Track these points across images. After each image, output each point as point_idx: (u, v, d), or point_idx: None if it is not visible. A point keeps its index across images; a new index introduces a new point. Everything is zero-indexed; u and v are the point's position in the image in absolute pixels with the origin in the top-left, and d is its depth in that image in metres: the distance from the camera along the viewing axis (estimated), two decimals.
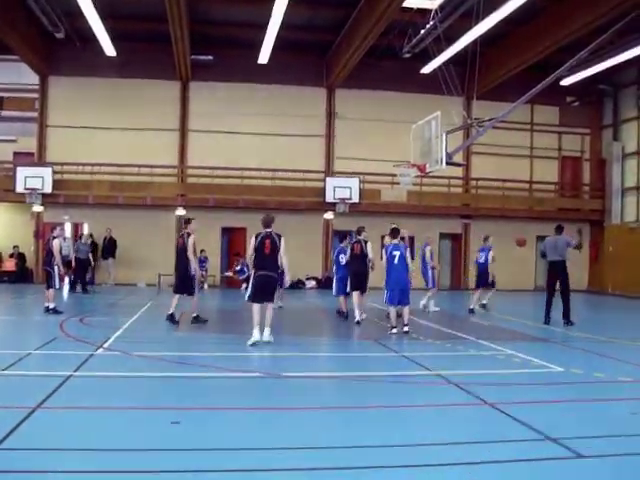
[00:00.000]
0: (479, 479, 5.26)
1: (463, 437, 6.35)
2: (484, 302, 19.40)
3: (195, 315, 14.90)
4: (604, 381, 9.26)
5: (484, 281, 19.13)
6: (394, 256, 13.88)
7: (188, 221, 15.22)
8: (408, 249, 14.42)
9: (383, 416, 7.23)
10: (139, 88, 28.67)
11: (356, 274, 15.73)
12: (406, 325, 13.83)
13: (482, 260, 19.12)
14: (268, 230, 12.51)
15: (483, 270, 19.07)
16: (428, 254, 18.97)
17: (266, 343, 11.95)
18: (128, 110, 28.67)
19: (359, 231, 16.31)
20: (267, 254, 12.21)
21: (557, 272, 16.22)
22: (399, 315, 13.96)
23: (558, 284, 16.27)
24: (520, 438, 6.30)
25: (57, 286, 16.55)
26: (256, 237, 12.48)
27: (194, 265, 14.76)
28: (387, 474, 5.31)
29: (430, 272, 18.96)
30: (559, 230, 16.67)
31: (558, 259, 16.18)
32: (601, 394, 8.55)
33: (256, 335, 11.85)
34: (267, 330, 12.07)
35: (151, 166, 27.88)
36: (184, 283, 14.74)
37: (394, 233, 14.38)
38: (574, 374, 9.70)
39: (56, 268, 16.27)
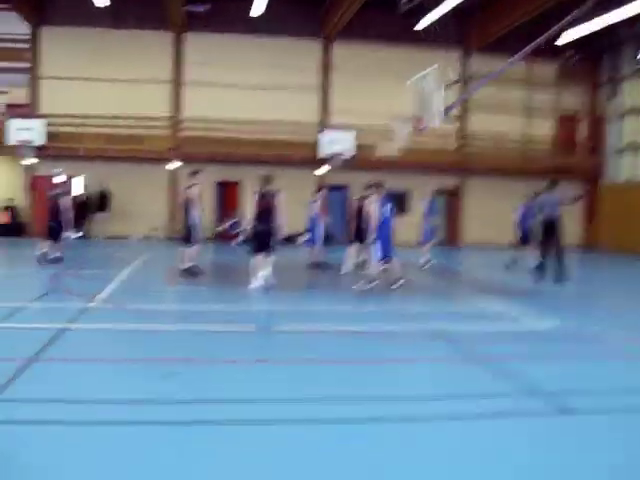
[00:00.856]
0: (468, 433, 5.27)
1: (456, 392, 6.39)
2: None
3: (188, 267, 14.83)
4: (596, 337, 9.30)
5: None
6: (386, 210, 13.78)
7: (196, 172, 15.17)
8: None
9: (372, 370, 7.26)
10: (133, 39, 28.20)
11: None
12: (400, 278, 13.87)
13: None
14: (268, 188, 13.31)
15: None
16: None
17: (264, 289, 12.91)
18: (121, 61, 28.25)
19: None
20: (263, 210, 13.07)
21: (551, 229, 16.16)
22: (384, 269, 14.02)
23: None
24: (512, 392, 6.33)
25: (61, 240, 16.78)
26: (255, 194, 13.37)
27: (196, 215, 14.73)
28: (377, 427, 5.33)
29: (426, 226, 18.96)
30: (552, 185, 16.56)
31: (552, 216, 16.09)
32: (594, 349, 8.58)
33: (256, 282, 13.07)
34: (263, 272, 13.10)
35: (144, 118, 27.58)
36: (186, 233, 14.84)
37: (378, 187, 14.04)
38: (567, 329, 9.75)
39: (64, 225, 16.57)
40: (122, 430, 5.07)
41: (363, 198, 15.31)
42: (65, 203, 16.53)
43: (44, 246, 16.39)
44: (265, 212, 13.10)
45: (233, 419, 5.34)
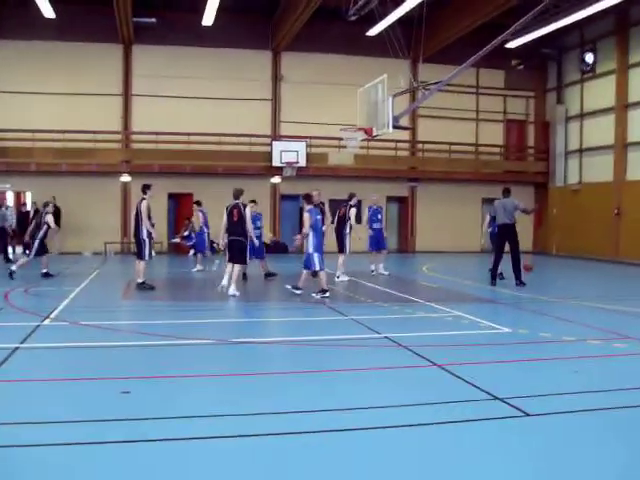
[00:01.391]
0: (430, 440, 5.33)
1: (413, 399, 6.42)
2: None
3: (142, 281, 14.80)
4: (550, 341, 9.47)
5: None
6: (318, 220, 14.05)
7: (147, 187, 15.32)
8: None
9: (334, 380, 7.29)
10: (80, 52, 27.90)
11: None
12: (327, 290, 13.98)
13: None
14: (236, 201, 14.28)
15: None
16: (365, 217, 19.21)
17: (231, 296, 13.76)
18: (69, 75, 27.91)
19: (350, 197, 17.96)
20: (235, 222, 14.11)
21: (506, 234, 16.40)
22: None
23: (507, 246, 16.47)
24: (469, 398, 6.41)
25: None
26: (227, 208, 14.39)
27: (145, 230, 14.72)
28: (342, 437, 5.34)
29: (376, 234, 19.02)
30: (507, 193, 16.87)
31: (507, 222, 16.35)
32: (547, 353, 8.73)
33: (225, 281, 14.27)
34: (232, 286, 13.90)
35: (94, 132, 27.30)
36: (137, 247, 15.11)
37: (309, 198, 14.33)
38: (521, 334, 9.89)
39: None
40: (77, 450, 5.00)
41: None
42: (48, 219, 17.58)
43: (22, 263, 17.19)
44: (237, 223, 14.07)
45: (197, 435, 5.31)
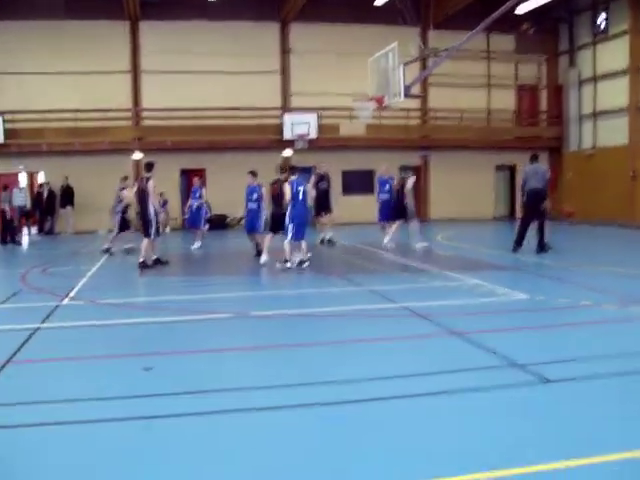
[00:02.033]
0: (448, 408, 5.35)
1: (433, 368, 6.43)
2: None
3: (141, 260, 14.70)
4: (567, 307, 9.45)
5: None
6: (299, 191, 14.09)
7: (150, 165, 15.01)
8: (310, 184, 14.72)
9: (353, 350, 7.32)
10: (87, 30, 27.78)
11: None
12: (307, 261, 14.22)
13: None
14: (278, 176, 14.91)
15: None
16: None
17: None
18: (77, 53, 27.82)
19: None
20: (276, 195, 14.72)
21: (538, 200, 16.14)
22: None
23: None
24: (488, 365, 6.42)
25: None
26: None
27: (152, 209, 14.62)
28: (359, 407, 5.37)
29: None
30: (535, 158, 16.73)
31: (539, 187, 16.12)
32: (565, 319, 8.73)
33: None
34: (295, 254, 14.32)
35: (105, 110, 27.27)
36: (143, 225, 14.77)
37: (293, 170, 14.76)
38: (539, 301, 9.88)
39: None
40: (108, 427, 5.05)
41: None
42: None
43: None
44: (276, 197, 14.59)
45: (221, 409, 5.35)
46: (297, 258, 14.12)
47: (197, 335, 8.27)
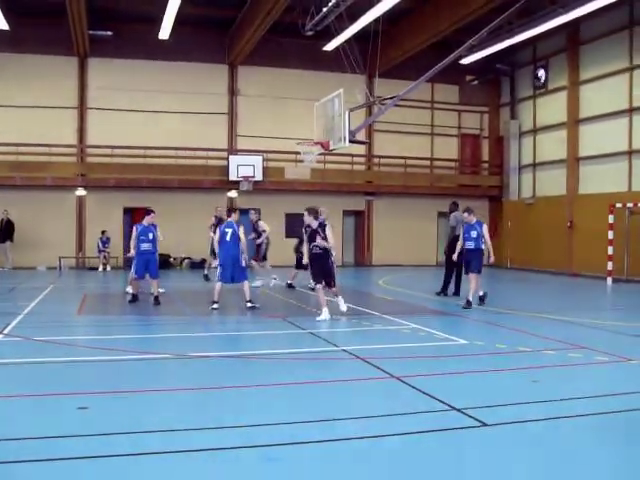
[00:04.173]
0: (389, 451, 5.36)
1: (372, 411, 6.42)
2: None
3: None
4: (505, 352, 9.59)
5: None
6: (226, 233, 14.23)
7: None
8: (242, 227, 14.50)
9: (292, 393, 7.28)
10: (35, 64, 27.46)
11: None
12: (249, 301, 14.26)
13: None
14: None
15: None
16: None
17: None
18: (24, 87, 27.44)
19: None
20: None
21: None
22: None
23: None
24: (428, 410, 6.46)
25: None
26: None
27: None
28: (299, 450, 5.34)
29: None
30: (455, 206, 17.28)
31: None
32: (503, 364, 8.85)
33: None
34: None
35: (49, 145, 26.98)
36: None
37: (229, 212, 14.92)
38: (477, 346, 10.01)
39: None
40: (36, 466, 4.94)
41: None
42: None
43: None
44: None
45: (153, 450, 5.27)
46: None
47: (132, 375, 8.14)
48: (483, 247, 15.02)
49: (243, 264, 14.31)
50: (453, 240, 16.50)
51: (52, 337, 10.55)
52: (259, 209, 19.51)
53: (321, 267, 13.29)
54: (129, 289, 15.98)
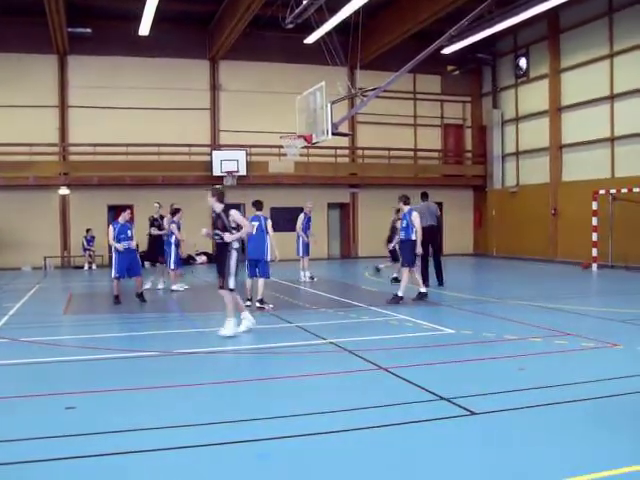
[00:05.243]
0: (378, 442, 5.38)
1: (361, 403, 6.45)
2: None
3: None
4: (492, 340, 9.64)
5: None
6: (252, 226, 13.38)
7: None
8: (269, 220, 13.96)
9: (280, 387, 7.30)
10: (14, 63, 27.25)
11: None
12: (260, 300, 13.71)
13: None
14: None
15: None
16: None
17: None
18: (3, 86, 27.24)
19: None
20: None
21: (431, 236, 16.73)
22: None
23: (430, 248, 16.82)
24: (416, 400, 6.48)
25: None
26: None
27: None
28: (289, 443, 5.35)
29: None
30: (425, 197, 17.44)
31: (434, 224, 16.81)
32: (490, 353, 8.89)
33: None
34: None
35: (31, 144, 26.81)
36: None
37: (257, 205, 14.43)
38: (464, 335, 10.04)
39: None
40: (25, 468, 4.92)
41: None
42: None
43: None
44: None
45: (143, 449, 5.27)
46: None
47: (119, 373, 8.12)
48: (414, 237, 14.16)
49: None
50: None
51: (38, 337, 10.50)
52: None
53: (217, 259, 11.19)
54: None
